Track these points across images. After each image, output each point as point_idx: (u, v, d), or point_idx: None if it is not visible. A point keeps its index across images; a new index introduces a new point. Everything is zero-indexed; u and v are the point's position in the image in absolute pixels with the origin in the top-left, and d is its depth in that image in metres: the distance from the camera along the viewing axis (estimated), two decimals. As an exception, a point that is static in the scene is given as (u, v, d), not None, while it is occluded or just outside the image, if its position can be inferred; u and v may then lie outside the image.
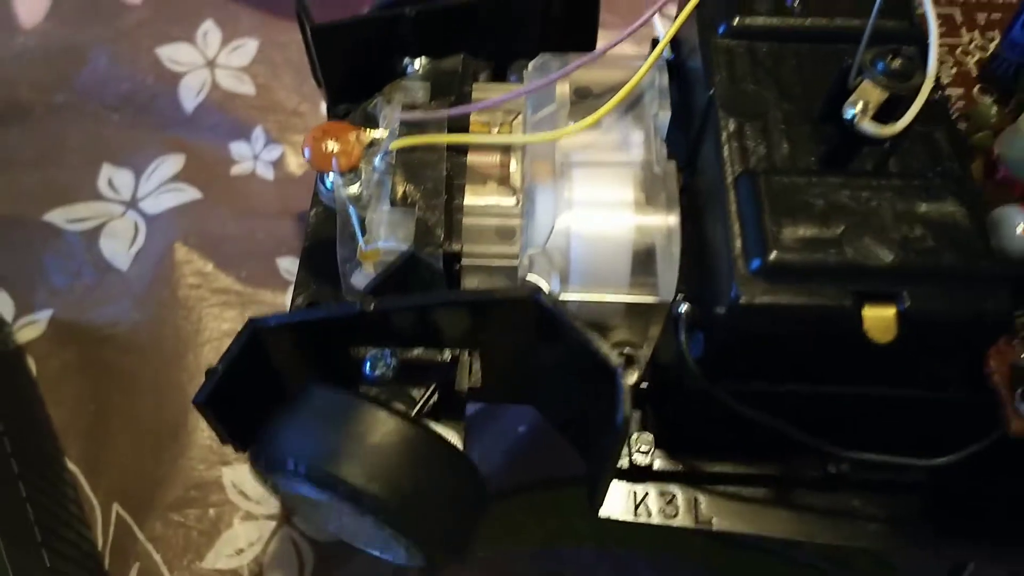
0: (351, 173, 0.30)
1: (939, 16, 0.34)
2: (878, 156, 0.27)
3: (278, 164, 0.47)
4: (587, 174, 0.29)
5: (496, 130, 0.32)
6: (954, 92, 0.32)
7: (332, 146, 0.30)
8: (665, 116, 0.30)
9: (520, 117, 0.32)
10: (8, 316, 0.42)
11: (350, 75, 0.35)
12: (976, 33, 0.34)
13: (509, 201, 0.30)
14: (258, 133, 0.48)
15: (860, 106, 0.25)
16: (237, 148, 0.47)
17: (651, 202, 0.29)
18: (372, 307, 0.26)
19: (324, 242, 0.32)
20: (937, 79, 0.28)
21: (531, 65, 0.32)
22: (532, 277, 0.28)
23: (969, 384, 0.27)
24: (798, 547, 0.35)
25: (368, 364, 0.28)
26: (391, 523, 0.26)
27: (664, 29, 0.32)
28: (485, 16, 0.33)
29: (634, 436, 0.30)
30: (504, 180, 0.30)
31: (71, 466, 0.39)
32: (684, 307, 0.28)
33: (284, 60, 0.48)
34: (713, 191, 0.27)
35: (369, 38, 0.34)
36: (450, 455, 0.27)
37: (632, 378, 0.30)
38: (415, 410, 0.28)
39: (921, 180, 0.26)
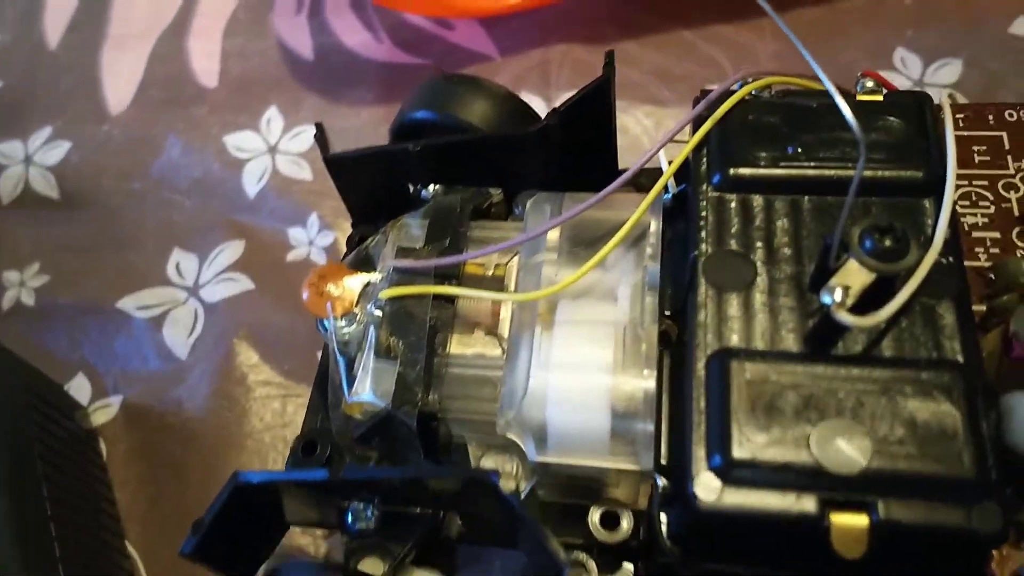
0: (346, 317, 0.31)
1: (984, 139, 0.31)
2: (871, 335, 0.25)
3: (330, 250, 0.48)
4: (569, 333, 0.28)
5: (491, 272, 0.31)
6: (989, 236, 0.29)
7: (329, 290, 0.31)
8: (654, 268, 0.29)
9: (516, 259, 0.31)
10: (85, 399, 0.46)
11: (368, 199, 0.36)
12: (1025, 162, 0.31)
13: (494, 351, 0.30)
14: (313, 219, 0.49)
15: (839, 294, 0.23)
16: (294, 233, 0.49)
17: (630, 364, 0.28)
18: (339, 477, 0.27)
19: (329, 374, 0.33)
20: (956, 237, 0.26)
21: (528, 205, 0.32)
22: (510, 436, 0.28)
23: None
24: None
25: (349, 516, 0.29)
26: None
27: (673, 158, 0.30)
28: (486, 153, 0.33)
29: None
30: (492, 329, 0.30)
31: (131, 550, 0.42)
32: (661, 482, 0.27)
33: (342, 146, 0.50)
34: (688, 368, 0.26)
35: (380, 168, 0.35)
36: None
37: (619, 536, 0.29)
38: (395, 563, 0.29)
39: (912, 370, 0.24)
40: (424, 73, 0.49)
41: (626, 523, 0.29)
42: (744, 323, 0.26)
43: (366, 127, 0.51)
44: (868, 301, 0.24)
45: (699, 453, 0.24)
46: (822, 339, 0.25)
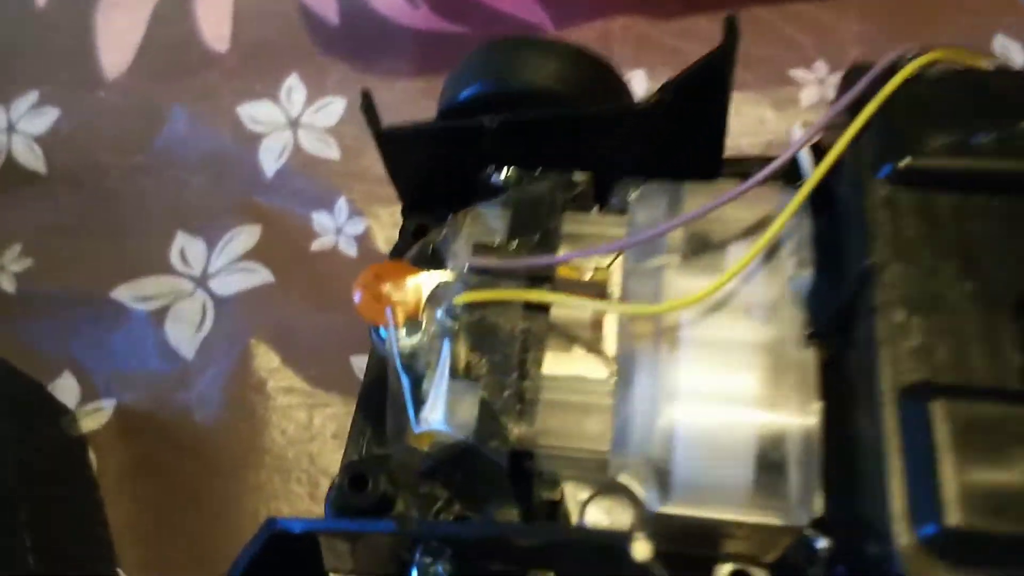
0: (409, 325, 0.25)
1: None
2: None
3: (362, 239, 0.43)
4: (699, 355, 0.23)
5: (589, 275, 0.26)
6: None
7: (387, 293, 0.25)
8: (805, 278, 0.24)
9: (619, 260, 0.26)
10: (72, 401, 0.40)
11: (426, 184, 0.31)
12: None
13: (600, 373, 0.24)
14: (341, 204, 0.43)
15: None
16: (319, 219, 0.43)
17: (782, 396, 0.22)
18: (410, 529, 0.21)
19: (381, 389, 0.27)
20: None
21: (633, 195, 0.26)
22: (624, 480, 0.23)
23: None
24: None
25: (414, 573, 0.23)
26: None
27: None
28: (583, 130, 0.27)
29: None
30: (595, 345, 0.25)
31: None
32: (822, 542, 0.21)
33: (373, 121, 0.44)
34: (865, 402, 0.21)
35: (444, 146, 0.29)
36: None
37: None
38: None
39: None
40: (467, 42, 0.43)
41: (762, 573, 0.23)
42: (942, 353, 0.20)
43: (402, 101, 0.45)
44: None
45: (901, 521, 0.18)
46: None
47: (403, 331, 0.26)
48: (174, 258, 0.43)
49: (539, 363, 0.24)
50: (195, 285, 0.42)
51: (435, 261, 0.27)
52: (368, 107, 0.29)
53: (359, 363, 0.39)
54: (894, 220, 0.22)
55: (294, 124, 0.46)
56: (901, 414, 0.20)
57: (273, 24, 0.49)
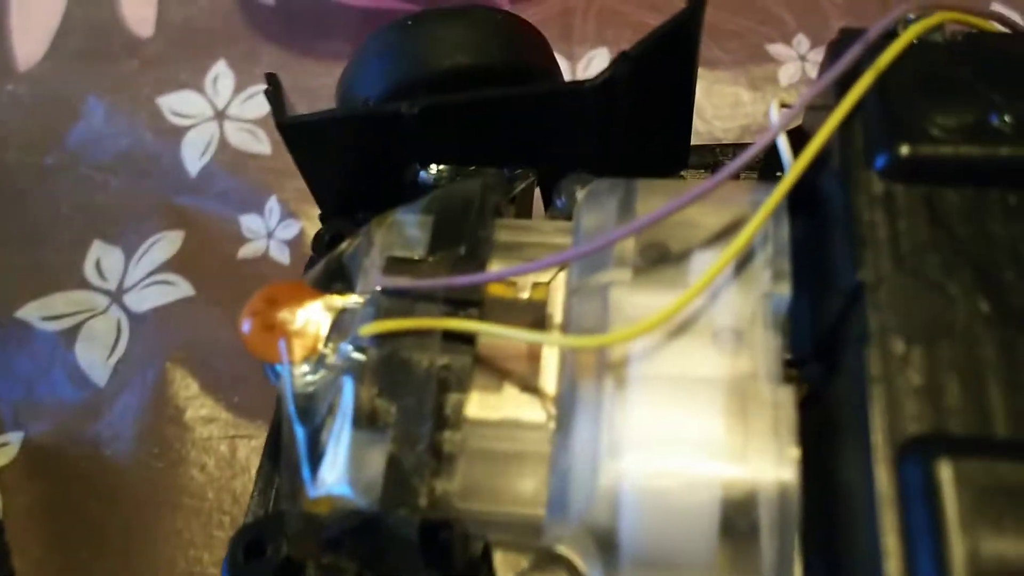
0: (309, 362, 0.21)
1: None
2: None
3: (295, 244, 0.38)
4: (653, 395, 0.19)
5: (527, 292, 0.22)
6: None
7: (281, 322, 0.21)
8: (782, 296, 0.19)
9: (562, 275, 0.21)
10: (-25, 436, 0.36)
11: (343, 183, 0.26)
12: None
13: (536, 416, 0.20)
14: (272, 204, 0.39)
15: None
16: (247, 222, 0.39)
17: (752, 445, 0.18)
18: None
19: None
20: None
21: (580, 196, 0.22)
22: (563, 551, 0.19)
23: None
24: None
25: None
26: None
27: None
28: (522, 115, 0.23)
29: None
30: (531, 381, 0.20)
31: None
32: (802, 631, 0.17)
33: (313, 108, 0.40)
34: (855, 454, 0.16)
35: (359, 139, 0.24)
36: None
37: None
38: None
39: None
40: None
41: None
42: (953, 393, 0.16)
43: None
44: None
45: (900, 614, 0.14)
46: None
47: (303, 368, 0.21)
48: (89, 270, 0.38)
49: (462, 406, 0.20)
50: (110, 300, 0.37)
51: (344, 280, 0.22)
52: (273, 93, 0.25)
53: (290, 386, 0.35)
54: (892, 223, 0.18)
55: (220, 115, 0.41)
56: (900, 475, 0.15)
57: (202, 4, 0.45)
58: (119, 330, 0.37)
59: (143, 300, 0.37)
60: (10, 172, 0.41)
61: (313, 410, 0.21)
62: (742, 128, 0.38)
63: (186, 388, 0.35)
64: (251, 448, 0.34)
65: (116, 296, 0.37)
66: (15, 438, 0.35)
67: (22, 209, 0.40)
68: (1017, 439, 0.15)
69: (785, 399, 0.18)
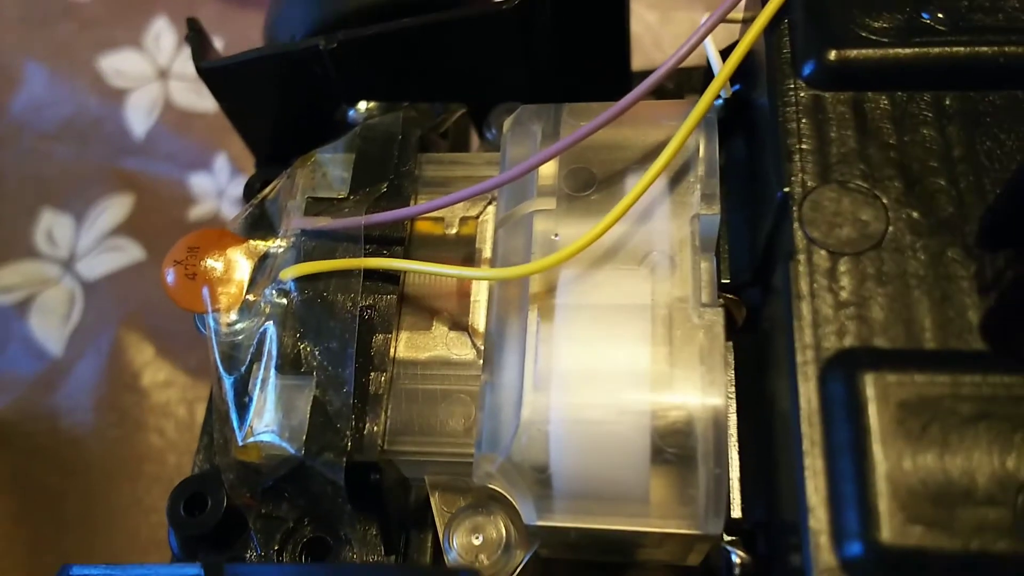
0: (236, 311, 0.20)
1: None
2: (1095, 317, 0.15)
3: (239, 202, 0.37)
4: (580, 326, 0.18)
5: (455, 228, 0.21)
6: None
7: (205, 270, 0.20)
8: (711, 218, 0.18)
9: (491, 208, 0.21)
10: (-64, 409, 0.35)
11: (274, 128, 0.25)
12: None
13: (465, 353, 0.19)
14: (222, 162, 0.38)
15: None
16: (197, 182, 0.38)
17: (681, 373, 0.17)
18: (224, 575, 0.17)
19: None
20: None
21: (506, 124, 0.21)
22: (495, 487, 0.18)
23: None
24: None
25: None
26: None
27: (719, 52, 0.20)
28: (438, 47, 0.22)
29: None
30: (460, 319, 0.20)
31: None
32: (738, 555, 0.17)
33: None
34: (783, 374, 0.16)
35: (283, 81, 0.23)
36: None
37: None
38: None
39: None
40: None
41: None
42: (879, 305, 0.15)
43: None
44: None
45: (820, 536, 0.14)
46: (1015, 326, 0.15)
47: (229, 317, 0.20)
48: (39, 239, 0.38)
49: (388, 347, 0.19)
50: (62, 269, 0.37)
51: (268, 226, 0.22)
52: (194, 38, 0.24)
53: (246, 346, 0.34)
54: (820, 133, 0.17)
55: (164, 75, 0.40)
56: (824, 391, 0.15)
57: (140, -39, 0.43)
58: (72, 299, 0.36)
59: (95, 267, 0.36)
60: (-48, 144, 0.40)
61: (239, 358, 0.20)
62: (704, 55, 0.37)
63: (141, 354, 0.34)
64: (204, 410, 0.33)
65: (68, 264, 0.37)
66: (-25, 411, 0.35)
67: (-34, 181, 0.39)
68: (944, 351, 0.15)
69: (714, 324, 0.17)
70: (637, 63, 0.28)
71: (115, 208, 0.37)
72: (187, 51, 0.40)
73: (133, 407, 0.33)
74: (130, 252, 0.36)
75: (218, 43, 0.39)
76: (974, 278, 0.15)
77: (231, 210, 0.37)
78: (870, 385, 0.14)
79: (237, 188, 0.38)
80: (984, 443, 0.14)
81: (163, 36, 0.41)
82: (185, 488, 0.21)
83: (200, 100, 0.39)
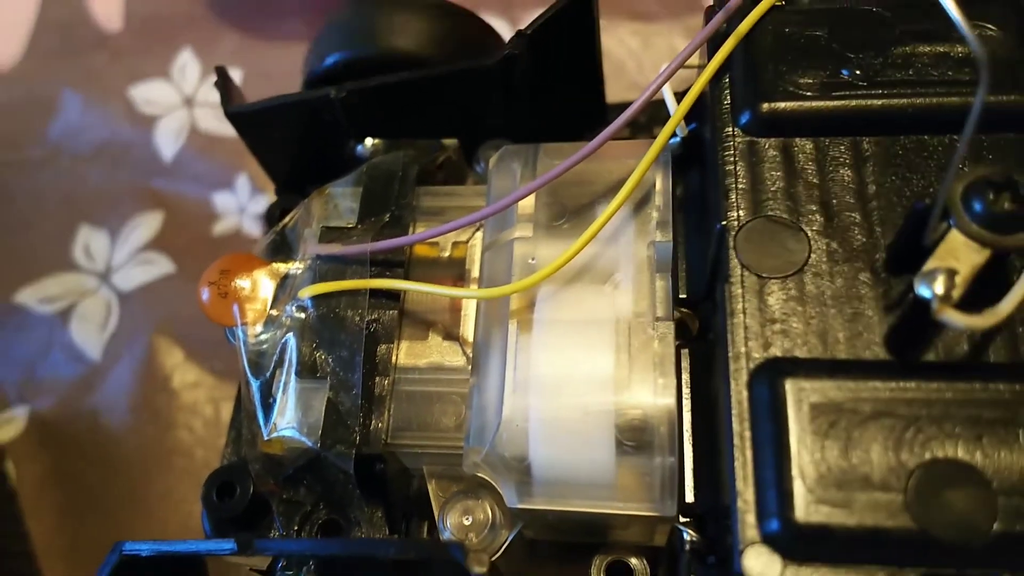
0: (260, 324, 0.23)
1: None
2: (981, 336, 0.18)
3: (262, 219, 0.40)
4: (553, 337, 0.21)
5: (447, 252, 0.24)
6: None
7: (234, 289, 0.24)
8: (665, 244, 0.21)
9: (479, 235, 0.24)
10: (-15, 412, 0.38)
11: (291, 162, 0.28)
12: None
13: (456, 360, 0.23)
14: (243, 182, 0.41)
15: (941, 283, 0.16)
16: (221, 200, 0.41)
17: (639, 377, 0.20)
18: (250, 551, 0.20)
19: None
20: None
21: (492, 161, 0.24)
22: (481, 475, 0.21)
23: None
24: None
25: (277, 587, 0.22)
26: None
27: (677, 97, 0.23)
28: (440, 92, 0.25)
29: None
30: (453, 331, 0.23)
31: None
32: (689, 536, 0.20)
33: (272, 91, 0.42)
34: (722, 382, 0.19)
35: (299, 123, 0.27)
36: None
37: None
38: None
39: (1044, 383, 0.17)
40: None
41: (639, 572, 0.22)
42: (799, 321, 0.18)
43: (300, 65, 0.42)
44: (976, 289, 0.17)
45: (747, 515, 0.17)
46: (912, 341, 0.18)
47: (256, 329, 0.24)
48: (77, 253, 0.41)
49: (391, 355, 0.22)
50: (99, 281, 0.40)
51: (288, 250, 0.25)
52: (222, 84, 0.27)
53: (267, 351, 0.37)
54: (752, 173, 0.20)
55: (189, 102, 0.43)
56: (751, 394, 0.18)
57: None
58: (109, 309, 0.39)
59: (129, 279, 0.40)
60: (-3, 167, 0.44)
61: (265, 365, 0.23)
62: (682, 79, 0.40)
63: (172, 357, 0.37)
64: (229, 409, 0.36)
65: (105, 276, 0.40)
66: (21, 412, 0.38)
67: (8, 201, 0.43)
68: (852, 360, 0.18)
69: (665, 335, 0.20)
70: (621, 84, 0.30)
71: (146, 224, 0.41)
72: (210, 81, 0.44)
73: (165, 406, 0.37)
74: (161, 265, 0.40)
75: (238, 73, 0.43)
76: (881, 299, 0.18)
77: (252, 225, 0.41)
78: (788, 389, 0.17)
79: (257, 205, 0.41)
80: (880, 438, 0.17)
81: (188, 67, 0.44)
82: (217, 477, 0.24)
83: (222, 126, 0.42)
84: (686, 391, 0.22)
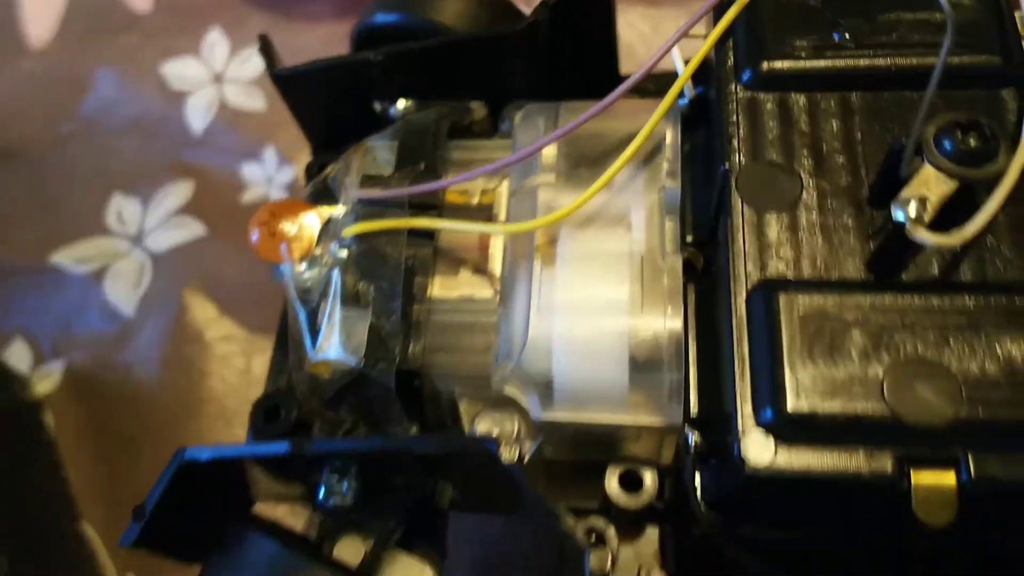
0: (306, 261, 0.26)
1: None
2: (950, 257, 0.20)
3: (292, 187, 0.43)
4: (575, 267, 0.24)
5: (476, 200, 0.27)
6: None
7: (284, 229, 0.26)
8: (674, 189, 0.24)
9: (505, 182, 0.26)
10: (25, 366, 0.41)
11: (329, 122, 0.31)
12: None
13: (485, 293, 0.25)
14: (270, 153, 0.44)
15: (914, 208, 0.19)
16: (249, 171, 0.44)
17: (650, 302, 0.23)
18: (303, 451, 0.22)
19: (293, 327, 0.28)
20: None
21: (516, 117, 0.27)
22: (509, 392, 0.24)
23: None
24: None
25: (321, 492, 0.24)
26: None
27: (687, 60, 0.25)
28: (462, 59, 0.28)
29: (644, 571, 0.25)
30: (481, 266, 0.25)
31: (90, 531, 0.37)
32: (693, 437, 0.22)
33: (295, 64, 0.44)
34: (724, 305, 0.21)
35: (339, 83, 0.29)
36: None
37: (642, 500, 0.25)
38: (377, 546, 0.24)
39: (1003, 297, 0.19)
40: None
41: (649, 483, 0.24)
42: (792, 248, 0.21)
43: (325, 44, 0.45)
44: (946, 215, 0.19)
45: (745, 407, 0.19)
46: (890, 263, 0.21)
47: (302, 266, 0.26)
48: (110, 219, 0.43)
49: (425, 287, 0.25)
50: (131, 244, 0.42)
51: (330, 197, 0.27)
52: (265, 50, 0.30)
53: (294, 308, 0.40)
54: (752, 124, 0.23)
55: (218, 79, 0.46)
56: (749, 308, 0.20)
57: (194, -22, 0.49)
58: (142, 269, 0.42)
59: (162, 241, 0.42)
60: (30, 140, 0.46)
61: (310, 299, 0.26)
62: (688, 50, 0.42)
63: (205, 313, 0.40)
64: (265, 361, 0.38)
65: (137, 239, 0.42)
66: (57, 367, 0.41)
67: (44, 173, 0.45)
68: (836, 280, 0.21)
69: (674, 268, 0.23)
70: (632, 66, 0.33)
71: (177, 192, 0.43)
72: (239, 58, 0.46)
73: (197, 358, 0.39)
74: (193, 228, 0.42)
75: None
76: (863, 229, 0.21)
77: (278, 194, 0.43)
78: (781, 302, 0.20)
79: (284, 176, 0.43)
80: (860, 341, 0.19)
81: (217, 45, 0.46)
82: (264, 402, 0.27)
83: (250, 101, 0.45)
84: (691, 321, 0.24)
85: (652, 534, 0.26)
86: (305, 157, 0.43)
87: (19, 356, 0.41)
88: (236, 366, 0.39)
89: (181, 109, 0.45)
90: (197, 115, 0.45)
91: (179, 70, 0.46)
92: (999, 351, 0.19)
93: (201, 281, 0.40)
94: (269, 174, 0.43)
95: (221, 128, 0.45)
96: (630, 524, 0.26)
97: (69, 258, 0.43)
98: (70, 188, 0.44)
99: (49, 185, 0.45)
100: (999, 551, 0.20)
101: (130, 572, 0.37)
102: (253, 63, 0.46)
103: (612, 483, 0.24)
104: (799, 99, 0.23)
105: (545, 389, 0.23)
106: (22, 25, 0.49)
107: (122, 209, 0.44)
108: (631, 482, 0.25)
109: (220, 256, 0.41)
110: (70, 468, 0.39)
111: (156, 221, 0.43)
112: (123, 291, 0.41)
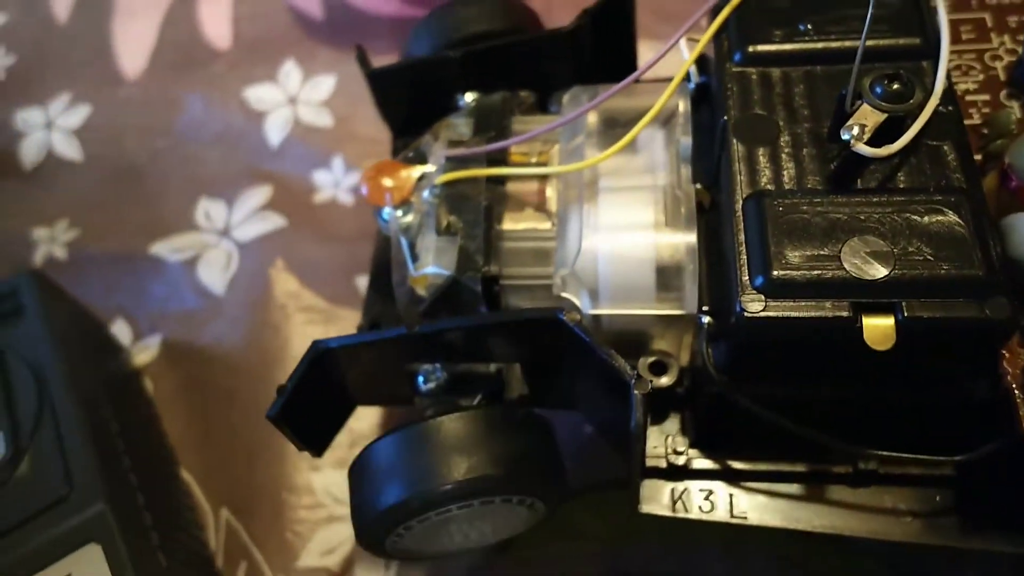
0: (403, 206, 0.34)
1: (969, 21, 0.35)
2: (885, 172, 0.28)
3: (357, 190, 0.51)
4: (613, 199, 0.32)
5: (534, 159, 0.35)
6: (980, 99, 0.33)
7: (386, 183, 0.34)
8: (687, 141, 0.32)
9: (557, 146, 0.35)
10: (126, 341, 0.48)
11: (409, 111, 0.39)
12: (1007, 37, 0.35)
13: (545, 225, 0.33)
14: (338, 162, 0.52)
15: (856, 130, 0.27)
16: (319, 177, 0.51)
17: (671, 222, 0.31)
18: (416, 330, 0.30)
19: (386, 266, 0.36)
20: (951, 90, 0.29)
21: (564, 98, 0.35)
22: (565, 295, 0.31)
23: (988, 384, 0.28)
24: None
25: (421, 378, 0.32)
26: (507, 490, 0.29)
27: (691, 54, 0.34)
28: (522, 55, 0.36)
29: (670, 438, 0.33)
30: (541, 206, 0.33)
31: (186, 476, 0.43)
32: (706, 319, 0.30)
33: (359, 93, 0.52)
34: (726, 212, 0.29)
35: (421, 79, 0.38)
36: (523, 417, 0.31)
37: (666, 381, 0.32)
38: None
39: (924, 195, 0.27)
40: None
41: (673, 368, 0.32)
42: (773, 170, 0.29)
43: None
44: (881, 140, 0.27)
45: (743, 277, 0.27)
46: (843, 176, 0.28)
47: (399, 212, 0.34)
48: (200, 217, 0.51)
49: (500, 221, 0.33)
50: (219, 237, 0.50)
51: (421, 160, 0.35)
52: (361, 57, 0.38)
53: (362, 283, 0.47)
54: (742, 89, 0.31)
55: (293, 101, 0.54)
56: (745, 211, 0.28)
57: (266, 23, 0.58)
58: (230, 256, 0.49)
59: (248, 232, 0.50)
60: (131, 153, 0.54)
61: (408, 235, 0.33)
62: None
63: (288, 287, 0.47)
64: (342, 327, 0.46)
65: (224, 233, 0.50)
66: (154, 340, 0.48)
67: (142, 179, 0.53)
68: (805, 189, 0.28)
69: (689, 197, 0.31)
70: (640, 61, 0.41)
71: (259, 195, 0.51)
72: (310, 83, 0.55)
73: (282, 324, 0.46)
74: (274, 220, 0.50)
75: (332, 79, 0.55)
76: (823, 155, 0.29)
77: (346, 196, 0.51)
78: (766, 205, 0.28)
79: (349, 180, 0.51)
80: (824, 229, 0.27)
81: (292, 74, 0.55)
82: (366, 322, 0.34)
83: (320, 119, 0.53)
84: (701, 242, 0.32)
85: (675, 419, 0.33)
86: (368, 165, 0.51)
87: (121, 333, 0.48)
88: (316, 333, 0.46)
89: (260, 126, 0.54)
90: (274, 131, 0.53)
91: (259, 94, 0.55)
92: (919, 228, 0.26)
93: (285, 261, 0.48)
94: (337, 179, 0.51)
95: (295, 141, 0.53)
96: (657, 411, 0.33)
97: (166, 249, 0.50)
98: (165, 192, 0.52)
99: (147, 189, 0.52)
100: (926, 371, 0.27)
101: (224, 507, 0.43)
102: (322, 88, 0.54)
103: (644, 366, 0.32)
104: (776, 72, 0.31)
105: (593, 289, 0.31)
106: (117, 60, 0.58)
107: (209, 209, 0.51)
108: (658, 368, 0.32)
109: (300, 241, 0.49)
110: (167, 423, 0.45)
111: (241, 217, 0.50)
112: (214, 274, 0.49)
